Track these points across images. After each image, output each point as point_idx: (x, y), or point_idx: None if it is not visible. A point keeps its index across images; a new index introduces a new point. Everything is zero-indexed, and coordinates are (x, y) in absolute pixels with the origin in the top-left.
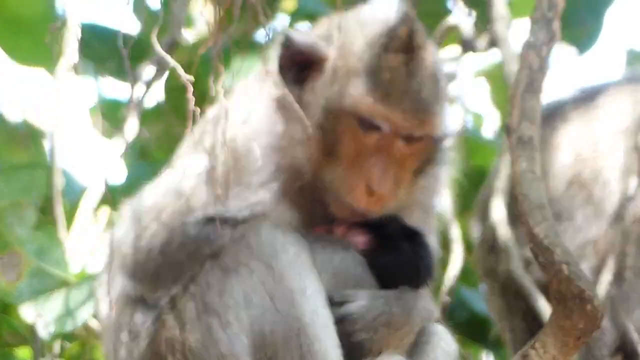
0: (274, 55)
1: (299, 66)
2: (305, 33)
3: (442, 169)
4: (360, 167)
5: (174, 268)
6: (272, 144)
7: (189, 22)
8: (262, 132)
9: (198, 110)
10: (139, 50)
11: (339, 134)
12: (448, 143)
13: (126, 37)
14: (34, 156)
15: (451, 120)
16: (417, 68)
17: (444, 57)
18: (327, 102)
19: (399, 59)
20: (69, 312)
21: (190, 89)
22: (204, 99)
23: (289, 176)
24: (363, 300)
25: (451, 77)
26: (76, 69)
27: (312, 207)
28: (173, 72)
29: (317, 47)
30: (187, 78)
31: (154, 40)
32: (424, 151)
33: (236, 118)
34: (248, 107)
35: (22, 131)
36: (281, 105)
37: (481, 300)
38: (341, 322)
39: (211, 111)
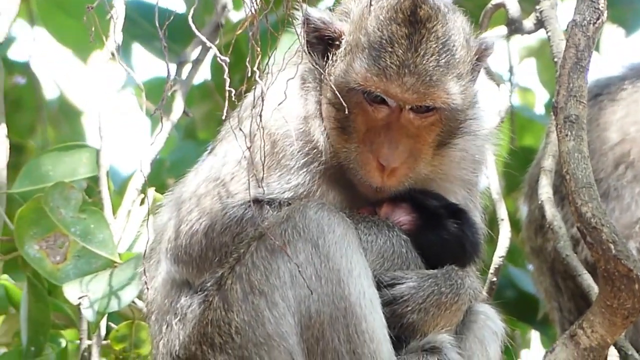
0: (299, 34)
1: (324, 42)
2: (324, 10)
3: (483, 143)
4: (372, 143)
5: (218, 250)
6: (303, 128)
7: (238, 2)
8: (295, 115)
9: (241, 90)
10: (186, 29)
11: (349, 109)
12: (477, 114)
13: (172, 16)
14: (73, 136)
15: (478, 91)
16: (421, 40)
17: (491, 37)
18: (337, 77)
19: (402, 31)
20: (113, 293)
21: (226, 70)
22: (249, 79)
23: (324, 158)
24: (412, 282)
25: (486, 47)
26: (120, 48)
27: (353, 188)
28: (220, 51)
29: (331, 23)
30: (223, 59)
31: (190, 20)
32: (440, 123)
33: (271, 102)
34: (282, 90)
35: (58, 111)
36: (306, 85)
37: (529, 279)
38: (391, 304)
39: (250, 94)
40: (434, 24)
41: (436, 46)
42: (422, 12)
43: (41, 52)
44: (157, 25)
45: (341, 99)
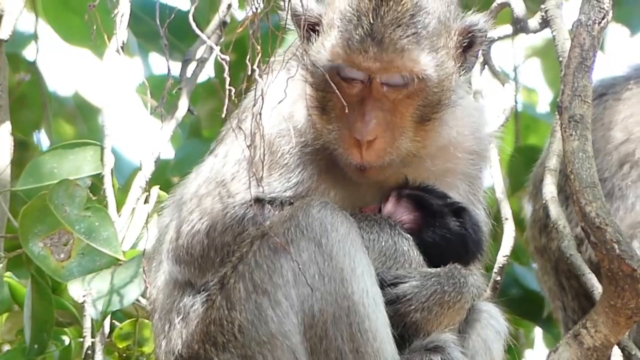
0: (288, 22)
1: (308, 29)
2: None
3: (487, 137)
4: (348, 120)
5: (220, 250)
6: (301, 124)
7: (243, 0)
8: (291, 113)
9: (241, 88)
10: (191, 27)
11: (325, 88)
12: (451, 85)
13: (174, 13)
14: (86, 133)
15: (445, 61)
16: (387, 12)
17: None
18: (312, 59)
19: (369, 4)
20: (117, 291)
21: (226, 68)
22: (249, 77)
23: (319, 154)
24: (415, 280)
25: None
26: (125, 46)
27: (354, 186)
28: (222, 50)
29: (310, 7)
30: (223, 58)
31: (191, 18)
32: (416, 96)
33: (269, 101)
34: (278, 89)
35: (73, 108)
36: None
37: (533, 278)
38: (394, 303)
39: (250, 94)
40: None
41: (403, 17)
42: None
43: (47, 48)
44: (158, 22)
45: (317, 80)
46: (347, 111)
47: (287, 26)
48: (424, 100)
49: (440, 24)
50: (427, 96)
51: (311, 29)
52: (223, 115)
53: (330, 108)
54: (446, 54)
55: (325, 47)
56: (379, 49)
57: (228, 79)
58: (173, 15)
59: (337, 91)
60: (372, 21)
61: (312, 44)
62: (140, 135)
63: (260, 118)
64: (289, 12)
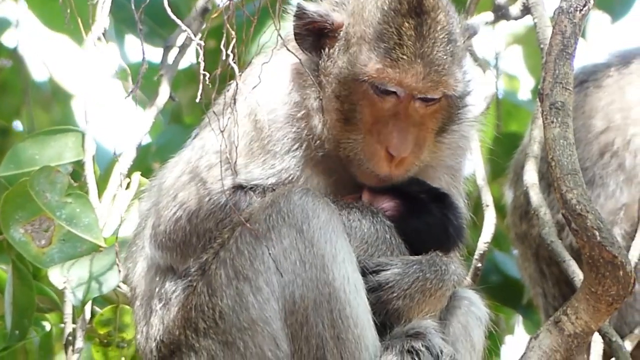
0: (289, 26)
1: (316, 34)
2: (317, 2)
3: (469, 129)
4: (379, 133)
5: (202, 236)
6: (291, 114)
7: None
8: (282, 102)
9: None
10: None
11: (355, 101)
12: (470, 100)
13: (157, 0)
14: (61, 119)
15: (472, 77)
16: (429, 30)
17: (476, 22)
18: (341, 70)
19: (409, 22)
20: (96, 278)
21: (201, 54)
22: (224, 62)
23: (310, 144)
24: (397, 268)
25: (473, 32)
26: (107, 33)
27: (338, 174)
28: (205, 36)
29: (329, 15)
30: (199, 43)
31: (166, 3)
32: (443, 110)
33: (257, 88)
34: (268, 78)
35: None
36: (299, 74)
37: (514, 264)
38: (377, 290)
39: (234, 81)
40: (438, 14)
41: (442, 35)
42: (427, 3)
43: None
44: (133, 8)
45: (345, 91)
46: (377, 124)
47: (272, 14)
48: (447, 113)
49: (461, 37)
50: (450, 109)
51: (322, 35)
52: (198, 100)
53: (357, 120)
54: (465, 65)
55: (364, 62)
56: (426, 69)
57: (203, 64)
58: (148, 1)
59: (378, 100)
60: (416, 40)
61: (330, 53)
62: (121, 122)
63: (246, 104)
64: (299, 16)
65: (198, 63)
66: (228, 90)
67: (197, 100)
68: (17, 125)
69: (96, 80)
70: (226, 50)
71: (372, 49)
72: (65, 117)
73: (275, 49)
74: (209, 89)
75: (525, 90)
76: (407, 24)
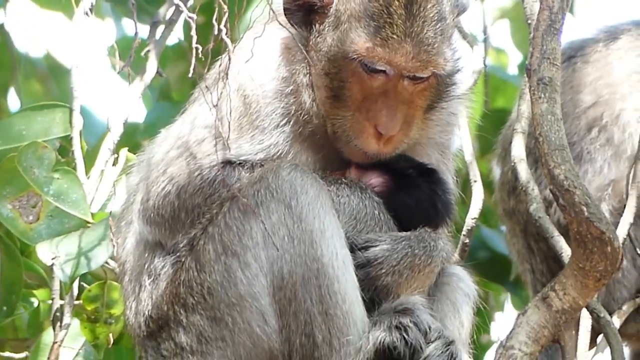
0: (278, 1)
1: (305, 9)
2: None
3: (457, 106)
4: (368, 111)
5: (191, 211)
6: (280, 89)
7: None
8: (271, 77)
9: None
10: None
11: (344, 78)
12: (459, 77)
13: None
14: (57, 94)
15: (461, 54)
16: (419, 9)
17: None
18: (330, 47)
19: (399, 0)
20: (84, 254)
21: (193, 27)
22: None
23: (299, 120)
24: (386, 244)
25: (463, 9)
26: (97, 8)
27: (326, 150)
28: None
29: None
30: (190, 16)
31: None
32: (432, 88)
33: (246, 64)
34: (257, 53)
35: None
36: (288, 49)
37: (502, 240)
38: (365, 266)
39: (224, 56)
40: None
41: (432, 14)
42: None
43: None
44: None
45: (334, 68)
46: (367, 102)
47: None
48: (436, 91)
49: (450, 14)
50: (439, 87)
51: (311, 11)
52: (189, 75)
53: (347, 97)
54: (454, 43)
55: (354, 40)
56: (416, 49)
57: (195, 38)
58: None
59: (367, 78)
60: (405, 20)
61: (320, 29)
62: (109, 98)
63: (236, 79)
64: None
65: (187, 39)
66: (219, 65)
67: (190, 76)
68: (6, 100)
69: (85, 56)
70: (218, 25)
71: (362, 27)
72: (62, 93)
73: (266, 23)
74: (198, 65)
75: (512, 65)
76: (397, 2)
